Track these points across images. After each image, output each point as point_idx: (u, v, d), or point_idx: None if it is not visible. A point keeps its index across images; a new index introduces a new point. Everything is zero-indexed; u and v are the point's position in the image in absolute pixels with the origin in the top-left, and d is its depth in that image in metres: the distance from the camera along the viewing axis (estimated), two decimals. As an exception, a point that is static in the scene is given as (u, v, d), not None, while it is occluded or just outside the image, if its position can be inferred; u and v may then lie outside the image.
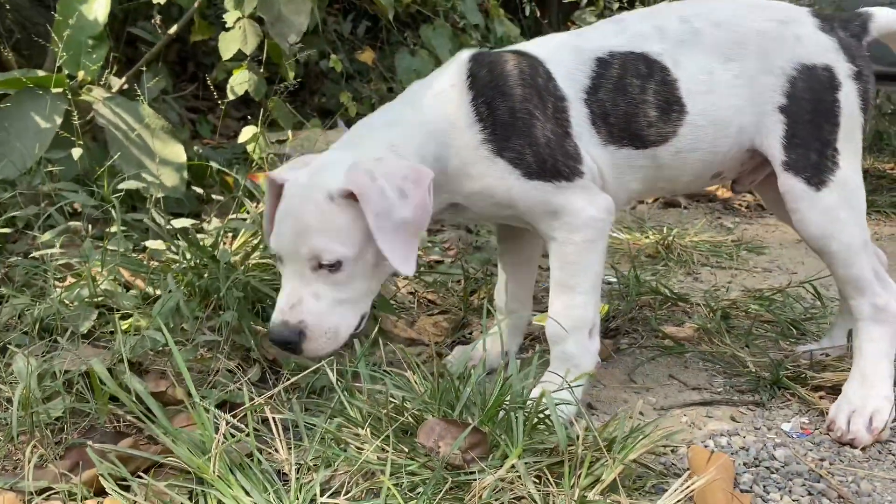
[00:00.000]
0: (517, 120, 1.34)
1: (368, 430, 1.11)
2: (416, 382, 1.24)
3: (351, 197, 1.25)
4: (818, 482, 1.19)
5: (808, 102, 1.35)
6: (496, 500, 0.98)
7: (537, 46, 1.45)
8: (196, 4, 2.21)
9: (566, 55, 1.41)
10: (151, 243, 1.88)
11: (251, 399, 1.18)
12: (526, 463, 1.03)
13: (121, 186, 1.85)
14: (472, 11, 4.77)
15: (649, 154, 1.39)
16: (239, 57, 2.16)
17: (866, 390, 1.35)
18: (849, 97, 1.36)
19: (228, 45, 2.16)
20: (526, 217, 1.43)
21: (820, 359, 1.58)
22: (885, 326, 1.37)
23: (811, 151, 1.35)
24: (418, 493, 1.01)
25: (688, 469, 1.15)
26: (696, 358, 1.71)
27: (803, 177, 1.35)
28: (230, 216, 2.08)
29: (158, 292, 1.65)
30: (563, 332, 1.38)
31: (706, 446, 1.30)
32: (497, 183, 1.37)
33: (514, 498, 1.00)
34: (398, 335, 1.78)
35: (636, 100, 1.36)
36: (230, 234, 1.97)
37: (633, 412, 1.25)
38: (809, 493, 1.16)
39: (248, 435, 1.09)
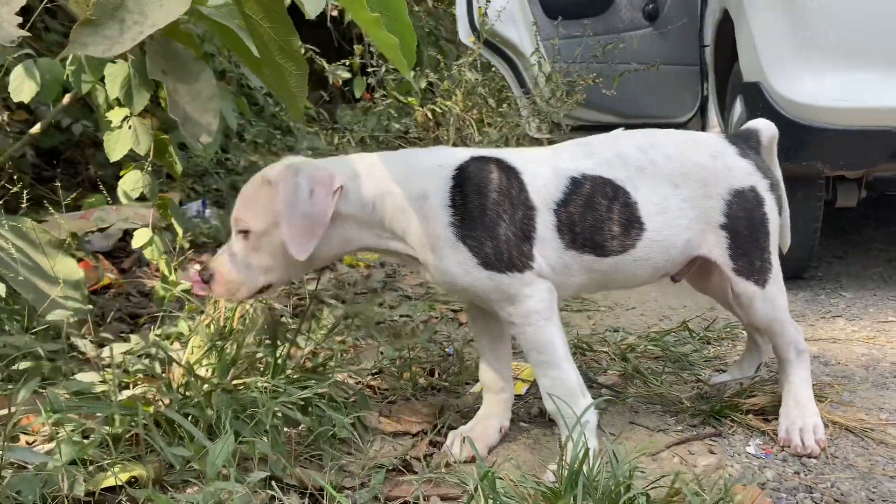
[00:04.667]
0: (485, 217, 1.54)
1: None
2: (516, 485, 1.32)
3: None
4: (812, 493, 1.51)
5: (744, 220, 1.67)
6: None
7: (519, 157, 1.65)
8: (66, 102, 1.98)
9: (544, 170, 1.63)
10: (83, 376, 1.68)
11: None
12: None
13: (49, 318, 1.62)
14: (249, 74, 4.72)
15: (609, 261, 1.64)
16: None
17: (802, 410, 1.72)
18: (771, 207, 1.71)
19: (117, 146, 1.98)
20: (483, 302, 1.61)
21: (737, 388, 1.95)
22: (804, 361, 1.78)
23: (755, 259, 1.68)
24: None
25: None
26: (636, 402, 1.99)
27: (753, 280, 1.69)
28: (157, 331, 1.92)
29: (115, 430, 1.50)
30: (563, 405, 1.57)
31: (722, 481, 1.56)
32: (456, 266, 1.55)
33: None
34: (383, 429, 1.80)
35: (602, 217, 1.61)
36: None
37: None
38: (815, 503, 1.47)
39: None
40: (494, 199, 1.56)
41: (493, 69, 4.81)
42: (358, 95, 5.71)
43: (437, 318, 2.79)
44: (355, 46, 5.79)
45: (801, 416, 1.71)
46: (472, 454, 1.67)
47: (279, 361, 1.71)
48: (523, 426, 1.87)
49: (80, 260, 3.03)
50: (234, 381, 1.63)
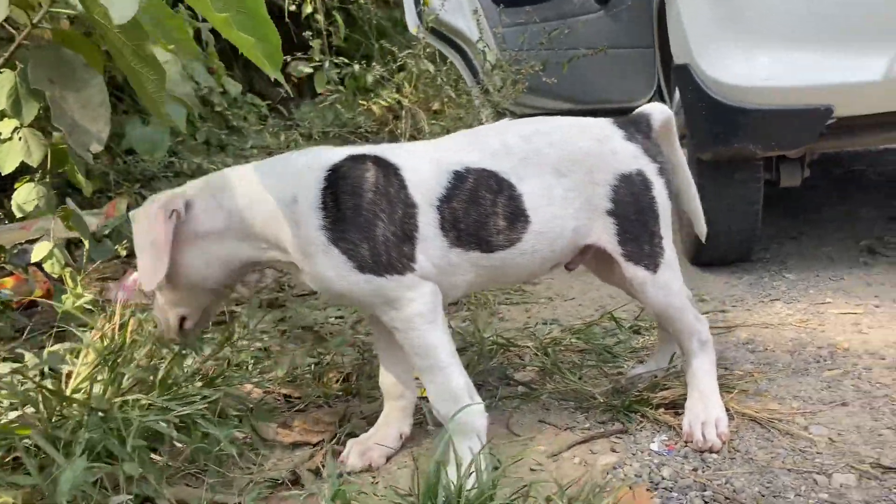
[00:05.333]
0: (360, 218, 1.49)
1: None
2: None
3: None
4: (705, 491, 1.46)
5: (632, 204, 1.62)
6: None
7: (400, 153, 1.60)
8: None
9: (426, 165, 1.57)
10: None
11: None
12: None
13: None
14: (202, 74, 4.65)
15: (496, 256, 1.59)
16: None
17: (705, 404, 1.68)
18: (660, 191, 1.65)
19: (8, 158, 1.92)
20: (363, 307, 1.57)
21: (652, 381, 1.90)
22: (708, 353, 1.73)
23: (644, 244, 1.63)
24: None
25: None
26: (550, 399, 1.94)
27: (643, 265, 1.64)
28: (50, 348, 1.87)
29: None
30: (450, 409, 1.51)
31: (607, 482, 1.52)
32: (330, 270, 1.50)
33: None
34: (281, 441, 1.75)
35: (487, 211, 1.55)
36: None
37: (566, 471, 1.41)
38: (705, 502, 1.42)
39: None
40: (370, 198, 1.51)
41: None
42: (319, 90, 5.65)
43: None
44: (314, 42, 5.72)
45: (705, 410, 1.66)
46: (367, 463, 1.63)
47: (168, 375, 1.66)
48: (432, 430, 1.82)
49: (10, 273, 2.98)
50: (118, 399, 1.57)
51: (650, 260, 1.64)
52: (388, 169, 1.54)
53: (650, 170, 1.65)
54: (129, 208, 4.06)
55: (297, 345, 2.29)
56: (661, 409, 1.79)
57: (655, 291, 1.66)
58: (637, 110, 1.76)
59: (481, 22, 4.14)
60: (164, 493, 1.38)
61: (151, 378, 1.71)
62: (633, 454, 1.63)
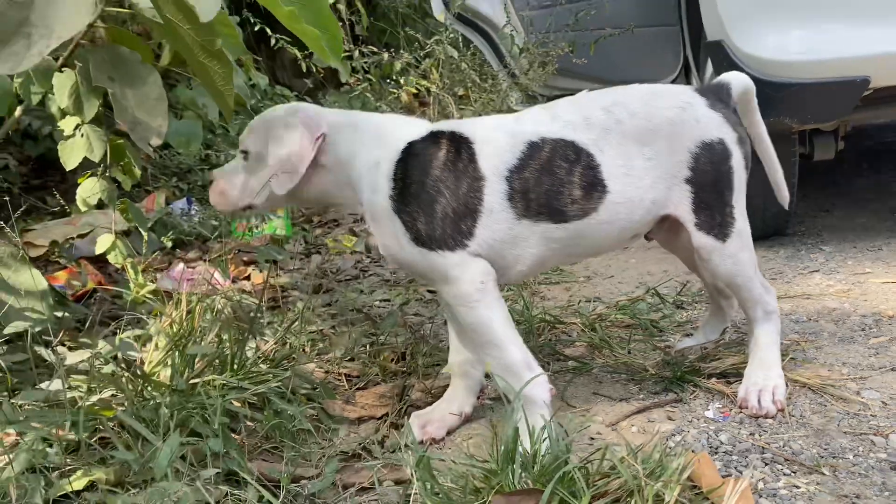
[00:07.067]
0: (423, 193, 1.56)
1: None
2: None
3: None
4: (764, 453, 1.51)
5: (710, 174, 1.64)
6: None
7: (475, 126, 1.66)
8: (18, 114, 2.00)
9: (500, 136, 1.62)
10: (48, 385, 1.72)
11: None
12: (595, 506, 1.20)
13: (7, 330, 1.65)
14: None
15: (569, 227, 1.61)
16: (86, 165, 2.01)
17: (765, 372, 1.72)
18: (738, 162, 1.66)
19: (71, 154, 2.00)
20: (424, 280, 1.64)
21: (702, 352, 1.95)
22: (773, 323, 1.77)
23: (716, 213, 1.65)
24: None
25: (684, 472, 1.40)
26: (602, 372, 2.00)
27: (713, 234, 1.66)
28: (121, 336, 1.95)
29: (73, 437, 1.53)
30: (509, 383, 1.55)
31: (669, 448, 1.57)
32: (392, 238, 1.60)
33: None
34: (346, 417, 1.82)
35: (562, 180, 1.58)
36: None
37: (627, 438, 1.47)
38: (766, 464, 1.47)
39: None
40: (436, 175, 1.56)
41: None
42: (343, 80, 5.69)
43: (419, 299, 2.81)
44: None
45: (764, 378, 1.70)
46: (430, 436, 1.69)
47: (237, 358, 1.73)
48: (488, 403, 1.88)
49: (64, 267, 3.08)
50: (193, 380, 1.65)
51: (720, 230, 1.66)
52: (460, 143, 1.59)
53: (730, 139, 1.65)
54: (167, 202, 4.15)
55: (350, 327, 2.36)
56: (714, 379, 1.84)
57: (722, 260, 1.68)
58: (716, 79, 1.75)
59: (508, 6, 4.17)
60: (249, 468, 1.45)
61: (218, 361, 1.79)
62: (690, 421, 1.69)
